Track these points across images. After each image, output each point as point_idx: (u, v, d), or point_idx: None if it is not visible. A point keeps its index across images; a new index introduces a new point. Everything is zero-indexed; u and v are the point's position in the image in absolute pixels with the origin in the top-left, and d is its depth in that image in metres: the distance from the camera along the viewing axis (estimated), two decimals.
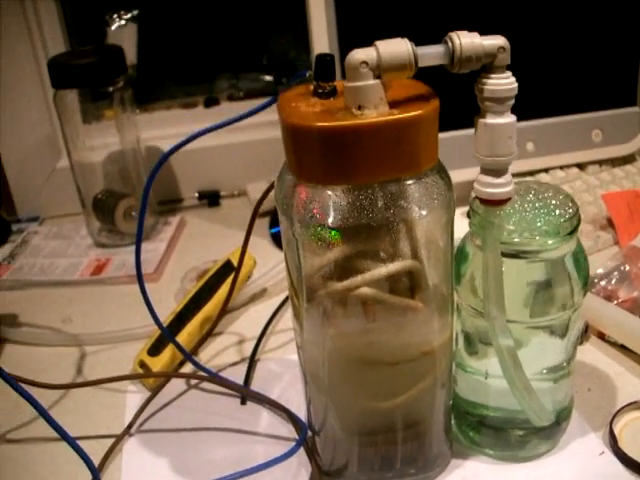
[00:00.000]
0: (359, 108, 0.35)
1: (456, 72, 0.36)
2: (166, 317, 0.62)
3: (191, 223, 0.88)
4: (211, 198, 0.93)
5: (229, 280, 0.64)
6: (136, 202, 0.81)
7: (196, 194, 0.93)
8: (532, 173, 0.75)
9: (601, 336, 0.57)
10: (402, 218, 0.37)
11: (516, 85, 0.36)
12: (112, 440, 0.51)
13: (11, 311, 0.70)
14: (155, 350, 0.58)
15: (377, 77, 0.35)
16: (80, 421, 0.54)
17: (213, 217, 0.89)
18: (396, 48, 0.35)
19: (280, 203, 0.39)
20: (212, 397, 0.56)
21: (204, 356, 0.61)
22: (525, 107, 0.78)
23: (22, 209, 0.93)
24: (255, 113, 0.49)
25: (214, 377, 0.55)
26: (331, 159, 0.35)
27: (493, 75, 0.36)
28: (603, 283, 0.59)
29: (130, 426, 0.53)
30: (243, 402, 0.54)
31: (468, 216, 0.42)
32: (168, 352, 0.58)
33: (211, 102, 0.93)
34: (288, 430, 0.51)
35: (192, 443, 0.51)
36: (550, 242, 0.40)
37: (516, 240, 0.41)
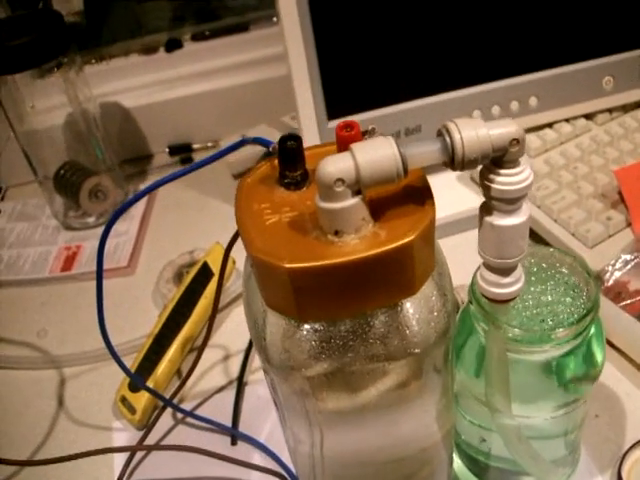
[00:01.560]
0: (336, 233, 0.29)
1: (457, 170, 0.29)
2: (144, 341, 0.57)
3: (164, 190, 0.80)
4: (183, 152, 0.85)
5: (208, 290, 0.59)
6: (103, 180, 0.74)
7: (166, 149, 0.86)
8: (536, 129, 0.68)
9: (610, 343, 0.53)
10: (395, 342, 0.31)
11: (531, 179, 0.30)
12: None
13: None
14: (136, 384, 0.54)
15: (357, 193, 0.28)
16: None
17: (187, 178, 0.81)
18: (378, 155, 0.28)
19: (249, 318, 0.33)
20: (201, 435, 0.53)
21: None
22: (527, 59, 0.70)
23: None
24: (222, 156, 0.41)
25: (200, 420, 0.52)
26: (306, 297, 0.29)
27: (503, 171, 0.29)
28: (614, 277, 0.54)
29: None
30: (233, 442, 0.51)
31: (470, 301, 0.37)
32: (151, 385, 0.54)
33: (173, 45, 0.83)
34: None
35: None
36: (559, 344, 0.35)
37: (523, 347, 0.35)
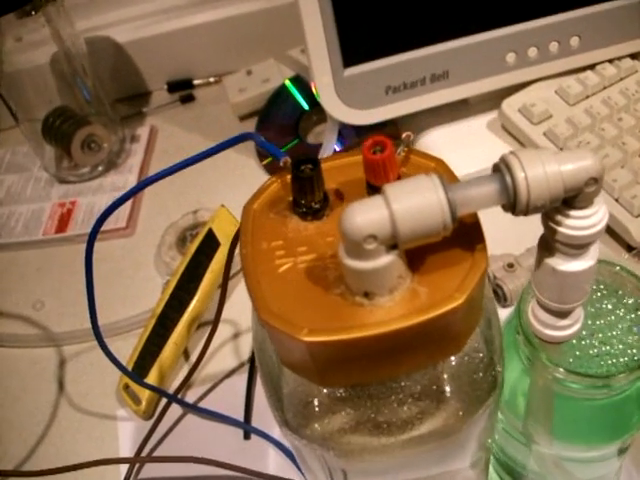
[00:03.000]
0: (366, 295, 0.23)
1: (518, 216, 0.23)
2: (147, 321, 0.53)
3: (163, 133, 0.74)
4: (183, 89, 0.78)
5: (214, 263, 0.54)
6: (96, 130, 0.67)
7: (165, 86, 0.79)
8: (575, 71, 0.60)
9: None
10: (432, 403, 0.27)
11: (606, 221, 0.24)
12: None
13: None
14: (140, 371, 0.51)
15: (393, 247, 0.23)
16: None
17: (189, 121, 0.75)
18: (420, 201, 0.22)
19: (261, 365, 0.28)
20: (212, 426, 0.49)
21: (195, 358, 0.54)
22: None
23: None
24: (219, 151, 0.35)
25: (210, 415, 0.48)
26: (329, 365, 0.24)
27: (573, 212, 0.24)
28: None
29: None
30: (246, 437, 0.48)
31: (517, 331, 0.31)
32: (155, 374, 0.50)
33: None
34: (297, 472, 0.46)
35: None
36: (617, 388, 0.30)
37: (574, 392, 0.30)
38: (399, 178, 0.26)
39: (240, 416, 0.49)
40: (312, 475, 0.33)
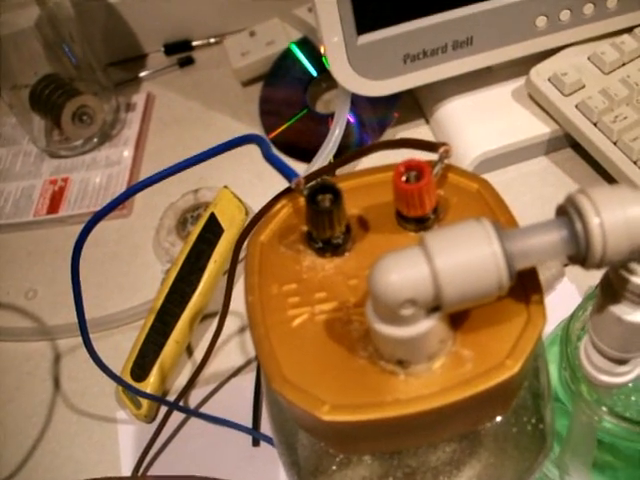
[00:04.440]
0: (400, 363, 0.19)
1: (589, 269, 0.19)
2: (146, 316, 0.49)
3: (161, 100, 0.69)
4: (181, 50, 0.72)
5: (217, 252, 0.50)
6: (88, 100, 0.62)
7: (162, 48, 0.73)
8: (611, 35, 0.55)
9: None
10: (472, 470, 0.23)
11: None
12: None
13: None
14: (140, 371, 0.47)
15: (434, 309, 0.18)
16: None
17: (187, 86, 0.70)
18: (469, 257, 0.18)
19: (273, 423, 0.25)
20: (219, 431, 0.46)
21: (199, 354, 0.50)
22: None
23: None
24: (217, 154, 0.30)
25: (215, 422, 0.45)
26: (352, 440, 0.20)
27: None
28: None
29: None
30: (255, 443, 0.45)
31: (563, 367, 0.27)
32: (156, 374, 0.47)
33: None
34: None
35: None
36: None
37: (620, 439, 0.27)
38: (436, 206, 0.22)
39: (248, 421, 0.46)
40: None
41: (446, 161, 0.23)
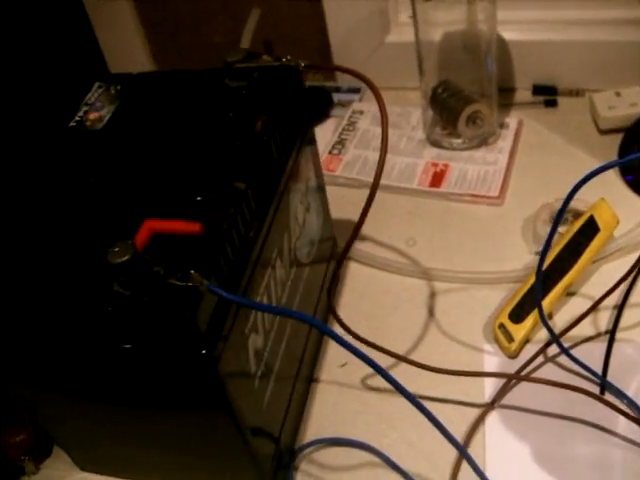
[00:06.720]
0: None
1: None
2: (527, 278, 0.60)
3: (528, 128, 0.80)
4: (547, 94, 0.84)
5: (592, 245, 0.60)
6: (482, 108, 0.75)
7: (531, 87, 0.85)
8: None
9: None
10: None
11: None
12: (471, 409, 0.54)
13: (349, 215, 0.69)
14: (517, 316, 0.57)
15: None
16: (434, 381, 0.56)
17: (550, 122, 0.81)
18: None
19: None
20: (568, 377, 0.54)
21: (558, 320, 0.59)
22: None
23: (343, 78, 0.92)
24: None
25: (575, 362, 0.54)
26: None
27: None
28: None
29: (494, 402, 0.53)
30: (602, 392, 0.53)
31: None
32: (530, 320, 0.57)
33: None
34: None
35: (553, 432, 0.51)
36: None
37: None
38: None
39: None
40: None
41: None
